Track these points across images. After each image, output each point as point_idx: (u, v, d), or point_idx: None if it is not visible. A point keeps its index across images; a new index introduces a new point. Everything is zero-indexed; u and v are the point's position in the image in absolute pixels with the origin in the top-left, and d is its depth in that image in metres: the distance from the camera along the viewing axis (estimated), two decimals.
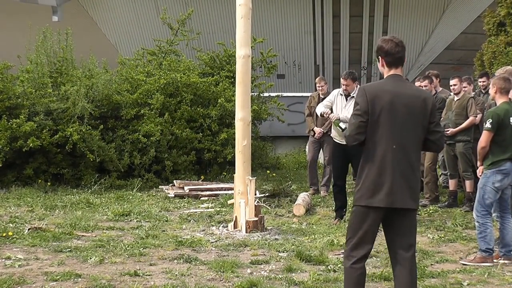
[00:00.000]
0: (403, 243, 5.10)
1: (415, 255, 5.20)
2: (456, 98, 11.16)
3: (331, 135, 10.45)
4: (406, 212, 5.05)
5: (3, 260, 7.37)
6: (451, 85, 11.20)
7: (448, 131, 10.98)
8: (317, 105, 12.62)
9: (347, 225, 5.33)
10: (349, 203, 10.54)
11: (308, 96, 13.71)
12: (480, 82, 12.06)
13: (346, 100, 9.90)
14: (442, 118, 11.31)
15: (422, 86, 11.78)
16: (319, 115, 10.33)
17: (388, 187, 4.97)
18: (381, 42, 5.16)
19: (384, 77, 5.20)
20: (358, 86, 10.36)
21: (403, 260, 5.09)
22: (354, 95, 9.80)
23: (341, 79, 9.98)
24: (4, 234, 8.47)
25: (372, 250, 7.96)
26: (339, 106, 9.94)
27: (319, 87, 12.91)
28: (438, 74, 12.41)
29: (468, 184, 11.01)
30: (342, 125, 9.41)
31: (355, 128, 5.06)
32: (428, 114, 5.06)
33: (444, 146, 11.34)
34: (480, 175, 7.78)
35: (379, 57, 5.18)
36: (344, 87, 9.86)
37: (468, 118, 10.96)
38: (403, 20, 23.60)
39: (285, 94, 18.64)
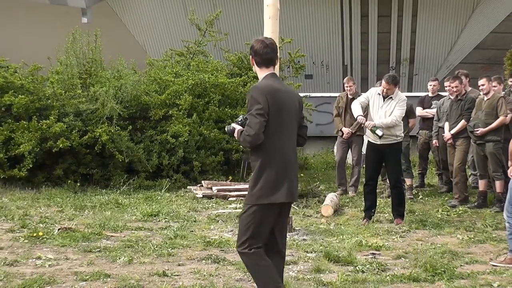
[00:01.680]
0: (283, 235, 5.45)
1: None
2: (486, 98, 11.06)
3: (365, 134, 10.44)
4: (290, 206, 5.48)
5: (34, 260, 7.44)
6: (479, 85, 11.09)
7: (478, 131, 10.89)
8: (345, 105, 12.66)
9: (240, 225, 5.43)
10: (378, 204, 10.51)
11: (336, 97, 13.66)
12: (510, 81, 11.94)
13: (384, 100, 9.88)
14: (472, 118, 11.22)
15: (452, 87, 11.73)
16: (354, 113, 10.29)
17: (289, 183, 5.21)
18: (254, 41, 5.39)
19: (259, 76, 5.38)
20: (399, 89, 10.37)
21: (279, 252, 5.42)
22: (393, 97, 9.80)
23: (382, 81, 9.94)
24: (34, 234, 8.54)
25: (400, 250, 8.00)
26: (376, 106, 9.93)
27: (347, 87, 12.86)
28: (467, 74, 12.32)
29: (498, 185, 10.90)
30: (379, 132, 9.53)
31: (259, 127, 5.11)
32: (300, 110, 5.38)
33: (474, 146, 11.27)
34: (511, 175, 7.71)
35: (250, 55, 5.41)
36: (385, 90, 9.83)
37: (498, 117, 10.86)
38: (432, 20, 23.44)
39: (313, 95, 18.60)
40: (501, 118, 10.85)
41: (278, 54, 5.44)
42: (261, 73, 5.35)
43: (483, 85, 11.00)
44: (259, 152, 5.17)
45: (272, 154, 5.16)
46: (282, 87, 5.31)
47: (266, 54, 5.29)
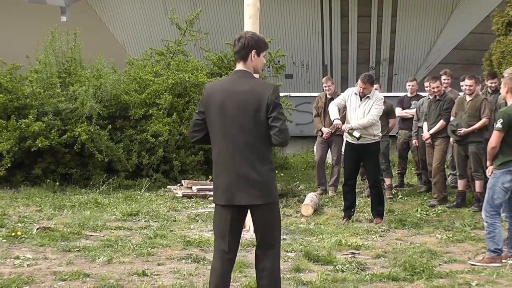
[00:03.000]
0: (262, 242, 5.11)
1: (277, 258, 5.12)
2: (469, 99, 11.09)
3: (344, 135, 10.46)
4: (254, 209, 5.04)
5: (12, 259, 7.40)
6: (467, 85, 11.06)
7: (461, 130, 10.93)
8: (324, 105, 12.68)
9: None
10: (357, 203, 10.56)
11: (316, 96, 13.69)
12: (489, 83, 11.99)
13: (361, 100, 9.90)
14: (453, 119, 11.26)
15: (433, 87, 11.77)
16: (331, 116, 10.30)
17: (225, 185, 5.01)
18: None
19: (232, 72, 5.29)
20: (377, 88, 10.38)
21: (263, 259, 5.07)
22: (370, 96, 9.83)
23: (359, 81, 9.97)
24: (13, 234, 8.50)
25: (380, 250, 8.04)
26: (353, 105, 9.93)
27: (325, 87, 12.88)
28: (451, 74, 12.43)
29: (477, 185, 10.97)
30: (356, 134, 9.59)
31: (192, 125, 5.19)
32: (265, 109, 4.93)
33: (456, 146, 11.32)
34: (490, 175, 7.76)
35: None
36: (361, 89, 9.84)
37: (481, 119, 10.91)
38: (411, 20, 23.56)
39: (293, 94, 18.61)
40: (483, 120, 10.90)
41: (250, 47, 5.08)
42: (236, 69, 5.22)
43: (471, 86, 11.00)
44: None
45: (215, 154, 5.08)
46: (231, 87, 5.04)
47: (235, 48, 5.14)
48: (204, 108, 5.09)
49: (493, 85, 11.78)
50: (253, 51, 5.10)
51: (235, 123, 4.96)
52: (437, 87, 11.70)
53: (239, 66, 5.14)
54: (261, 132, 4.96)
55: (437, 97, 11.79)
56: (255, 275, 5.13)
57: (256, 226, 5.16)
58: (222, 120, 4.99)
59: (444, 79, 12.24)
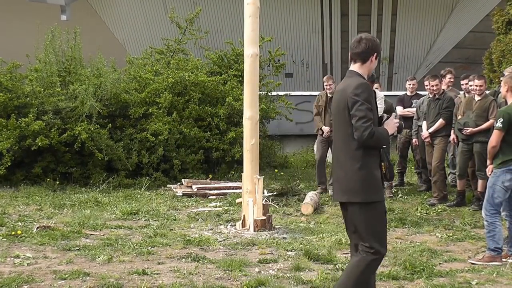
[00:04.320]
0: (351, 241, 5.30)
1: (361, 262, 5.08)
2: (477, 99, 11.01)
3: None
4: (345, 206, 5.20)
5: (12, 258, 7.40)
6: (476, 85, 10.95)
7: (468, 130, 10.89)
8: (325, 104, 12.68)
9: None
10: None
11: (316, 95, 13.69)
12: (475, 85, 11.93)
13: None
14: (460, 117, 11.18)
15: (432, 85, 11.76)
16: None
17: (335, 182, 5.30)
18: None
19: None
20: (377, 87, 10.37)
21: (352, 258, 5.28)
22: None
23: None
24: (13, 233, 8.50)
25: None
26: None
27: (326, 85, 12.88)
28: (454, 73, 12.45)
29: (480, 184, 10.92)
30: None
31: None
32: (348, 107, 5.03)
33: (460, 145, 11.28)
34: (490, 174, 7.76)
35: None
36: None
37: (488, 119, 10.86)
38: (411, 19, 23.56)
39: (293, 93, 18.60)
40: (491, 121, 10.81)
41: (372, 50, 5.21)
42: None
43: (481, 86, 10.92)
44: None
45: None
46: (339, 87, 5.24)
47: (351, 49, 5.25)
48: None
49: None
50: (375, 54, 5.21)
51: (334, 121, 5.25)
52: (436, 85, 11.69)
53: (355, 67, 5.23)
54: (348, 130, 5.06)
55: (436, 96, 11.78)
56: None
57: (347, 223, 5.30)
58: (334, 118, 5.26)
59: (450, 78, 12.28)
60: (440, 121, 11.60)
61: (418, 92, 13.49)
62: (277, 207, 11.02)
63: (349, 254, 7.71)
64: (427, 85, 12.14)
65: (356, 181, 5.01)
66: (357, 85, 5.00)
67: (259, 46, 9.98)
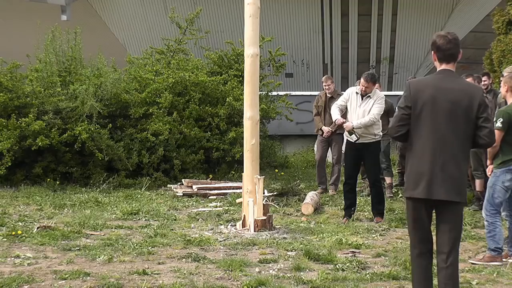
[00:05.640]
0: (444, 239, 5.12)
1: (457, 257, 5.15)
2: None
3: (344, 134, 10.44)
4: (448, 205, 5.08)
5: (13, 258, 7.39)
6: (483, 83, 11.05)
7: None
8: (324, 104, 12.69)
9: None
10: (358, 202, 10.55)
11: (316, 95, 13.69)
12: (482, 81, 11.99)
13: (362, 99, 9.89)
14: None
15: None
16: (333, 117, 10.32)
17: (427, 179, 5.06)
18: (435, 36, 5.28)
19: (437, 71, 5.30)
20: (377, 87, 10.36)
21: (441, 260, 5.12)
22: (371, 95, 9.82)
23: (361, 79, 9.94)
24: (13, 233, 8.49)
25: (380, 249, 8.03)
26: (354, 105, 9.93)
27: (325, 86, 12.88)
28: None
29: (478, 183, 10.95)
30: (354, 138, 9.61)
31: (397, 120, 5.24)
32: (475, 109, 5.05)
33: None
34: (490, 174, 7.76)
35: (432, 51, 5.28)
36: (364, 88, 9.83)
37: None
38: (411, 19, 23.56)
39: (293, 93, 18.62)
40: None
41: (459, 49, 5.24)
42: (438, 68, 5.27)
43: (485, 81, 11.02)
44: (408, 145, 5.23)
45: (418, 147, 5.14)
46: (442, 84, 5.14)
47: (448, 50, 5.18)
48: (411, 103, 5.15)
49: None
50: (461, 52, 5.26)
51: (446, 119, 5.07)
52: None
53: (446, 66, 5.23)
54: (468, 131, 5.08)
55: None
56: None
57: (443, 223, 5.15)
58: (431, 116, 5.09)
59: None
60: None
61: None
62: (277, 207, 11.02)
63: (350, 255, 7.78)
64: None
65: (465, 182, 5.19)
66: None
67: (260, 46, 9.98)
